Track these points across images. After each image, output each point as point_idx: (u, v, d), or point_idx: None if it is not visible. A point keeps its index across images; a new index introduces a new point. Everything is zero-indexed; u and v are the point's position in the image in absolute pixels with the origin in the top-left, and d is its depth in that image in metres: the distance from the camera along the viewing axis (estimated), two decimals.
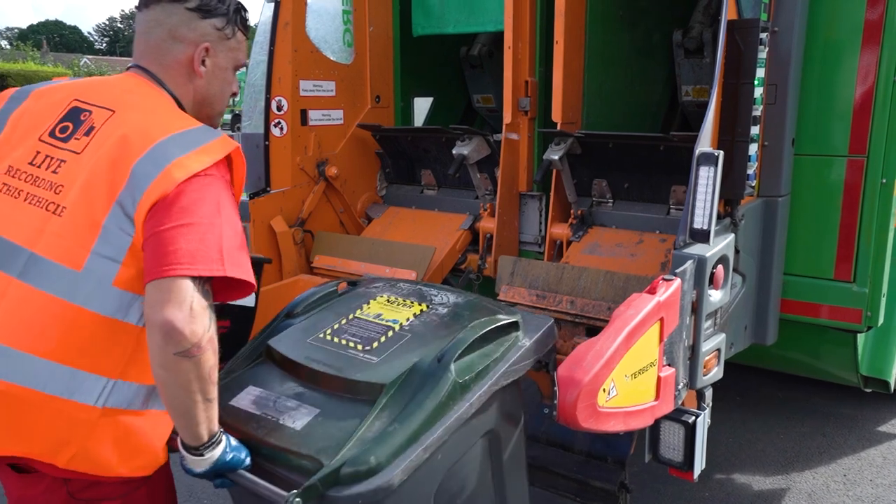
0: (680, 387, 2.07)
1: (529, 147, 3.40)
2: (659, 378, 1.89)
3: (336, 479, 1.53)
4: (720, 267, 2.22)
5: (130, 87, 1.64)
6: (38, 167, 1.52)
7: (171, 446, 1.64)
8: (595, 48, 3.32)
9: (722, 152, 2.07)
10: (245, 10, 1.74)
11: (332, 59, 3.55)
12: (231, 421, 1.73)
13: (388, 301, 2.17)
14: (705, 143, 2.16)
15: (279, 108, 3.33)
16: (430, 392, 1.67)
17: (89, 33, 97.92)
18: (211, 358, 1.44)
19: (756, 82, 2.33)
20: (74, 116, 1.56)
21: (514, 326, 1.95)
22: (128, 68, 1.71)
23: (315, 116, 3.50)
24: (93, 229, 1.44)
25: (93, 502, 1.56)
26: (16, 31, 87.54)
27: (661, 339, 1.88)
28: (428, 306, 2.11)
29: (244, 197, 3.31)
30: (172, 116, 1.59)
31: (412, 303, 2.15)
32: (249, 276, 1.48)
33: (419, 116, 4.54)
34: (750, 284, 2.68)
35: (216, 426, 1.53)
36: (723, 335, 2.34)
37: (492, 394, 1.79)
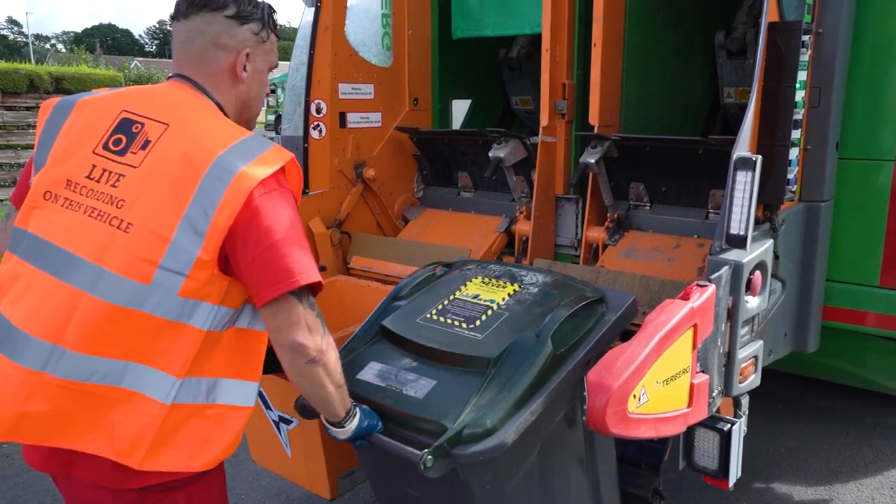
0: (714, 394, 2.05)
1: (566, 150, 3.39)
2: (692, 385, 1.87)
3: (458, 439, 1.80)
4: (758, 273, 2.18)
5: (180, 99, 1.67)
6: (97, 181, 1.57)
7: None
8: (634, 50, 3.29)
9: (760, 157, 2.03)
10: (275, 12, 1.78)
11: (370, 62, 3.59)
12: (361, 393, 2.04)
13: (483, 282, 2.42)
14: (743, 147, 2.13)
15: (318, 110, 3.39)
16: (531, 364, 1.94)
17: (140, 36, 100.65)
18: (332, 355, 1.66)
19: (798, 85, 2.28)
20: (126, 129, 1.61)
21: (599, 303, 2.21)
22: (169, 77, 1.76)
23: (353, 119, 3.55)
24: (161, 245, 1.50)
25: (159, 490, 1.62)
26: (71, 34, 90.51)
27: (694, 346, 1.86)
28: (520, 286, 2.35)
29: None
30: (225, 128, 1.64)
31: (505, 283, 2.38)
32: (317, 280, 1.61)
33: (457, 119, 4.56)
34: (790, 290, 2.63)
35: (349, 402, 1.82)
36: (760, 342, 2.30)
37: (583, 364, 2.01)
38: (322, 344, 1.61)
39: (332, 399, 1.72)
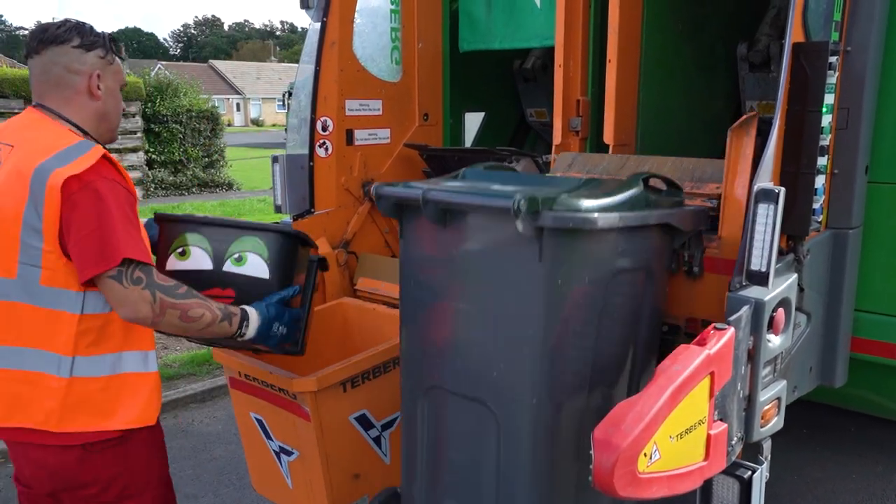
0: (734, 442, 1.91)
1: None
2: (709, 436, 1.74)
3: (552, 203, 1.87)
4: (781, 310, 2.04)
5: (28, 123, 1.95)
6: None
7: None
8: (651, 65, 3.16)
9: (783, 189, 1.90)
10: (116, 40, 2.08)
11: (379, 77, 3.50)
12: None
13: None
14: (765, 176, 1.99)
15: (324, 128, 3.30)
16: (625, 186, 2.06)
17: (164, 39, 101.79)
18: (174, 314, 1.83)
19: (824, 109, 2.14)
20: None
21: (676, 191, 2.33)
22: (30, 107, 1.99)
23: (361, 136, 3.45)
24: (15, 244, 1.81)
25: (99, 447, 1.93)
26: None
27: (711, 395, 1.73)
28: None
29: (287, 218, 3.29)
30: (57, 141, 1.86)
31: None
32: (142, 254, 1.81)
33: (469, 132, 4.45)
34: (816, 323, 2.48)
35: (233, 316, 1.98)
36: (783, 382, 2.16)
37: (655, 225, 2.10)
38: (154, 312, 1.80)
39: (207, 332, 1.94)
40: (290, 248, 2.28)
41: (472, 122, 4.49)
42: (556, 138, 3.19)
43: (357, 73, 3.38)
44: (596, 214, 1.91)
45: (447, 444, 2.32)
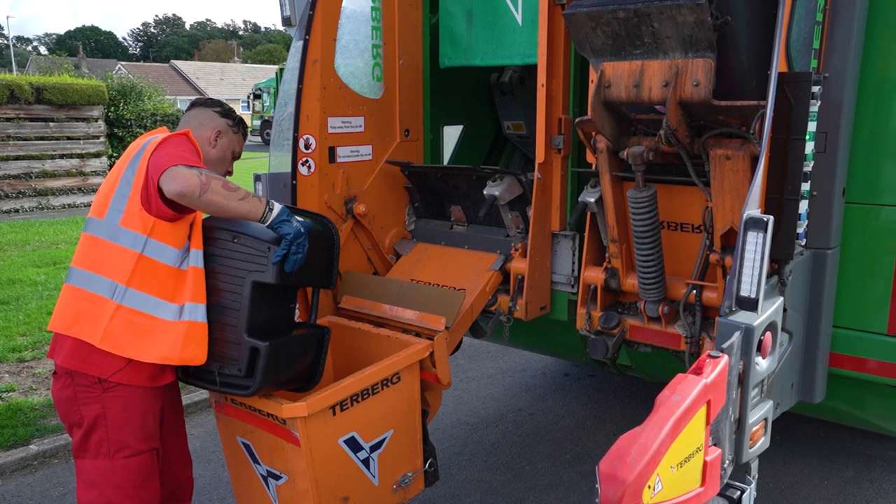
0: (726, 465, 1.96)
1: (562, 186, 3.30)
2: (705, 463, 1.78)
3: None
4: (768, 334, 2.10)
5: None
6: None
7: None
8: None
9: (772, 218, 1.95)
10: (246, 126, 2.86)
11: (361, 94, 3.48)
12: None
13: None
14: (753, 204, 2.05)
15: (307, 146, 3.27)
16: None
17: (124, 38, 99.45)
18: (217, 183, 2.32)
19: (807, 137, 2.21)
20: None
21: None
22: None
23: (343, 153, 3.43)
24: (110, 191, 2.48)
25: (106, 385, 2.44)
26: (54, 37, 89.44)
27: (707, 422, 1.77)
28: None
29: None
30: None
31: None
32: (196, 164, 2.40)
33: (448, 144, 4.45)
34: (797, 341, 2.55)
35: (263, 202, 2.43)
36: (769, 402, 2.22)
37: None
38: (202, 180, 2.28)
39: (242, 208, 2.38)
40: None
41: (451, 134, 4.49)
42: (539, 156, 3.22)
43: (339, 91, 3.36)
44: None
45: None
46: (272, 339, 2.49)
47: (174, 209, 2.39)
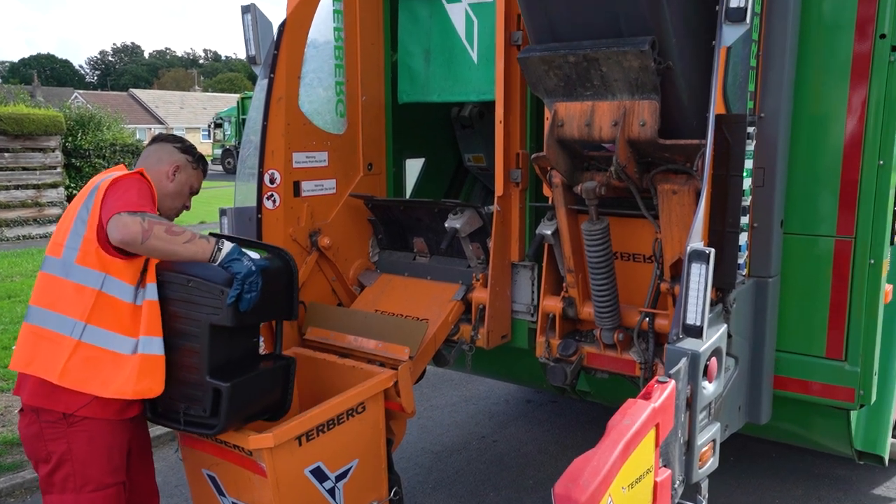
0: (676, 485, 2.07)
1: (521, 218, 3.43)
2: (655, 483, 1.88)
3: None
4: (714, 359, 2.23)
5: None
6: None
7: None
8: None
9: (713, 250, 2.09)
10: (206, 164, 2.90)
11: (324, 130, 3.58)
12: None
13: None
14: (696, 237, 2.18)
15: (272, 181, 3.34)
16: None
17: (80, 66, 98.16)
18: (160, 228, 2.36)
19: (745, 174, 2.36)
20: None
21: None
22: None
23: (308, 187, 3.51)
24: (66, 230, 2.49)
25: (70, 419, 2.46)
26: (7, 65, 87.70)
27: (657, 444, 1.87)
28: None
29: None
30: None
31: None
32: (144, 209, 2.43)
33: (410, 176, 4.56)
34: (743, 365, 2.69)
35: (210, 243, 2.48)
36: (717, 424, 2.34)
37: None
38: (144, 227, 2.33)
39: (187, 251, 2.44)
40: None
41: (413, 167, 4.61)
42: (498, 190, 3.34)
43: (303, 127, 3.45)
44: None
45: None
46: (235, 377, 2.51)
47: (124, 253, 2.43)
